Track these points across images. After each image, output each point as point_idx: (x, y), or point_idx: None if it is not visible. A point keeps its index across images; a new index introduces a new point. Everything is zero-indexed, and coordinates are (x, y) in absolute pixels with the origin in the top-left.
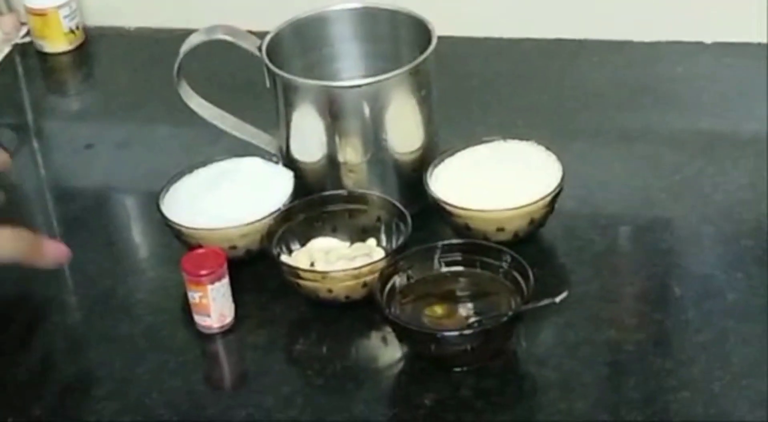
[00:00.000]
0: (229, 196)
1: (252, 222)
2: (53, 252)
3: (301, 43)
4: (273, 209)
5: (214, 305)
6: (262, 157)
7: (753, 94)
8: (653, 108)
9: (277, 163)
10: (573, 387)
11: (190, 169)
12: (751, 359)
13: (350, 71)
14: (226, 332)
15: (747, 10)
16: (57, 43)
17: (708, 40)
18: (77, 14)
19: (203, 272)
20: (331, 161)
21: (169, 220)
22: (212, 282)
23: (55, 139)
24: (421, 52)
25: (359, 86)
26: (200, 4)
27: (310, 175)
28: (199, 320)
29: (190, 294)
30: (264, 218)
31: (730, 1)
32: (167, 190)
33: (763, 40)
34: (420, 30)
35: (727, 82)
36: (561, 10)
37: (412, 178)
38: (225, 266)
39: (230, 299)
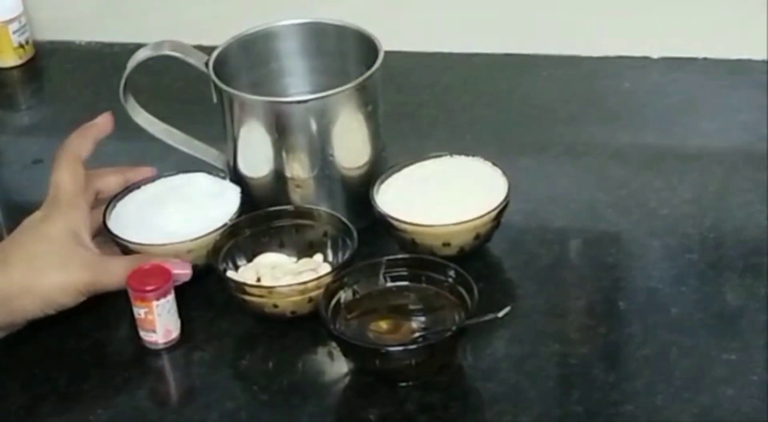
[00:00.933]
0: (176, 212)
1: (198, 238)
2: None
3: (248, 59)
4: (220, 225)
5: (160, 321)
6: (210, 172)
7: (699, 109)
8: (600, 122)
9: (224, 178)
10: (518, 401)
11: (138, 185)
12: (693, 372)
13: (297, 87)
14: (172, 348)
15: (693, 25)
16: (6, 57)
17: (655, 55)
18: (27, 29)
19: (149, 288)
20: (279, 176)
21: (116, 236)
22: (158, 298)
23: (5, 153)
24: (368, 68)
25: (305, 101)
26: (150, 19)
27: (257, 190)
28: (145, 336)
29: (135, 310)
30: (210, 233)
31: (677, 17)
32: (114, 206)
33: (709, 55)
34: (367, 45)
35: (674, 97)
36: (510, 25)
37: (359, 193)
38: (171, 282)
39: (176, 315)
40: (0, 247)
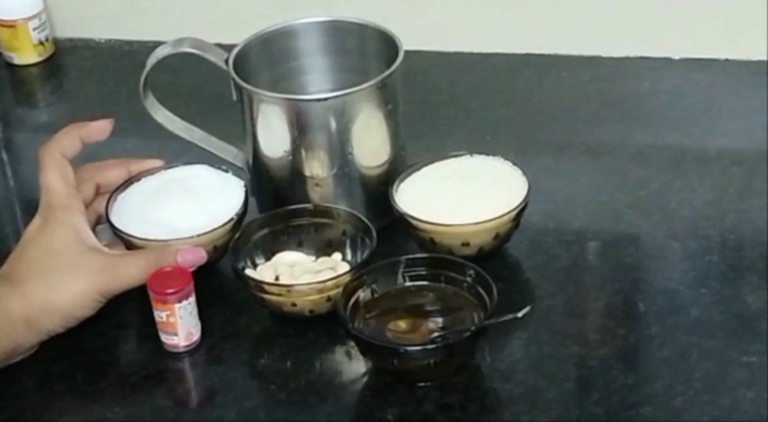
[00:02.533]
0: (179, 206)
1: (204, 234)
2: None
3: (268, 57)
4: (224, 220)
5: (182, 323)
6: (212, 165)
7: (719, 109)
8: (620, 123)
9: (226, 171)
10: (536, 403)
11: (139, 177)
12: (713, 374)
13: (317, 85)
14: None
15: (714, 26)
16: (26, 55)
17: (675, 56)
18: (47, 26)
19: (170, 290)
20: (298, 175)
21: (119, 230)
22: (179, 301)
23: (25, 151)
24: (389, 67)
25: (326, 99)
26: (170, 17)
27: (276, 188)
28: (166, 339)
29: (156, 313)
30: (216, 229)
31: (698, 18)
32: (115, 199)
33: (730, 56)
34: (387, 44)
35: (694, 98)
36: (530, 25)
37: (378, 192)
38: (191, 284)
39: (197, 317)
40: (9, 267)
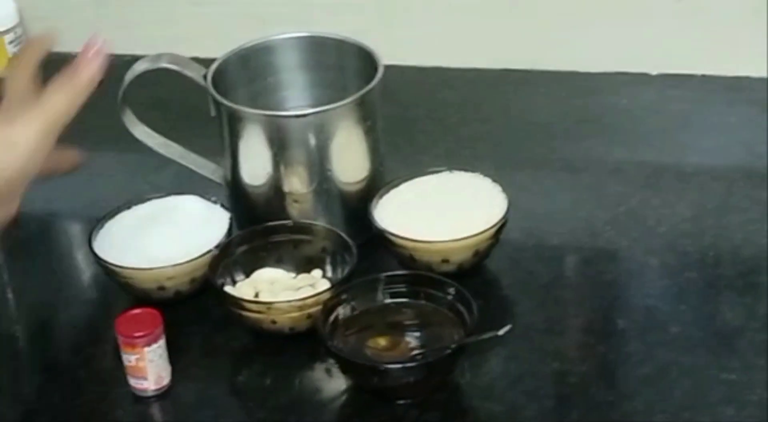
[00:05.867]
0: (163, 235)
1: (179, 264)
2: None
3: (246, 72)
4: (205, 250)
5: (151, 368)
6: (201, 195)
7: (697, 126)
8: (598, 139)
9: (215, 202)
10: (516, 420)
11: (128, 205)
12: (692, 392)
13: (296, 100)
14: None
15: (691, 42)
16: (1, 68)
17: (653, 72)
18: (22, 40)
19: (138, 334)
20: (276, 190)
21: (99, 258)
22: (149, 345)
23: None
24: (367, 82)
25: (304, 116)
26: (147, 31)
27: (255, 204)
28: (135, 383)
29: (125, 357)
30: (192, 260)
31: (675, 34)
32: (102, 226)
33: (707, 72)
34: (366, 60)
35: (672, 114)
36: (507, 41)
37: (358, 208)
38: (161, 327)
39: (167, 360)
40: None
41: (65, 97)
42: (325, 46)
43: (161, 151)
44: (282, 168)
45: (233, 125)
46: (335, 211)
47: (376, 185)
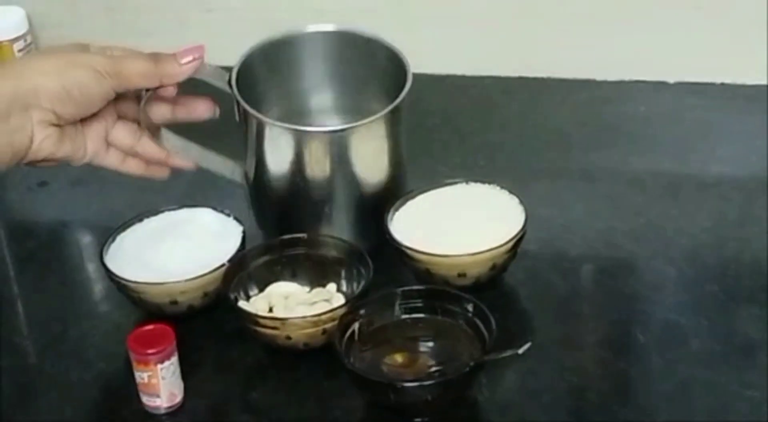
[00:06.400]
0: (176, 249)
1: (193, 278)
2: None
3: (270, 68)
4: (218, 264)
5: (164, 385)
6: (215, 208)
7: (716, 134)
8: (616, 148)
9: (229, 215)
10: None
11: (140, 218)
12: (715, 409)
13: (322, 100)
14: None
15: (709, 50)
16: None
17: (671, 80)
18: (32, 47)
19: (151, 351)
20: (300, 197)
21: (111, 272)
22: (161, 362)
23: (9, 176)
24: (395, 80)
25: (335, 132)
26: (159, 40)
27: (276, 208)
28: (147, 401)
29: (137, 375)
30: (205, 275)
31: (693, 41)
32: (114, 239)
33: (726, 80)
34: (394, 62)
35: (690, 123)
36: (523, 48)
37: (381, 219)
38: (174, 344)
39: (179, 377)
40: None
41: (142, 65)
42: (352, 41)
43: (180, 152)
44: (307, 177)
45: (259, 133)
46: (358, 222)
47: (398, 193)
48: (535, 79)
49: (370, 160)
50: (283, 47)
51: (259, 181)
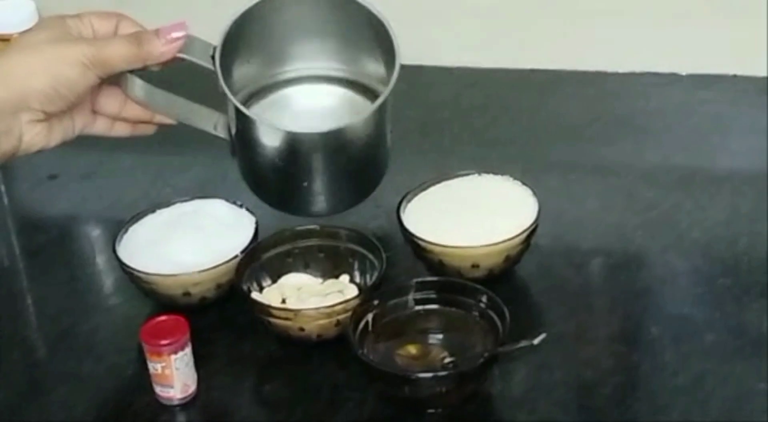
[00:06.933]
0: (187, 241)
1: (206, 270)
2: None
3: (252, 37)
4: (231, 255)
5: (177, 375)
6: (227, 199)
7: (728, 127)
8: (628, 141)
9: (241, 206)
10: None
11: (152, 209)
12: (729, 403)
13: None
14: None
15: (721, 41)
16: None
17: (683, 72)
18: None
19: (164, 342)
20: (293, 187)
21: (123, 264)
22: (175, 352)
23: (19, 169)
24: (384, 53)
25: (323, 134)
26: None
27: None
28: (161, 392)
29: (151, 365)
30: (218, 266)
31: (705, 33)
32: (126, 230)
33: (738, 72)
34: (381, 31)
35: (702, 115)
36: (535, 41)
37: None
38: (187, 334)
39: (193, 368)
40: None
41: (125, 49)
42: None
43: (164, 111)
44: (297, 173)
45: (245, 130)
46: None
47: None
48: (546, 71)
49: (363, 153)
50: (264, 15)
51: (248, 174)
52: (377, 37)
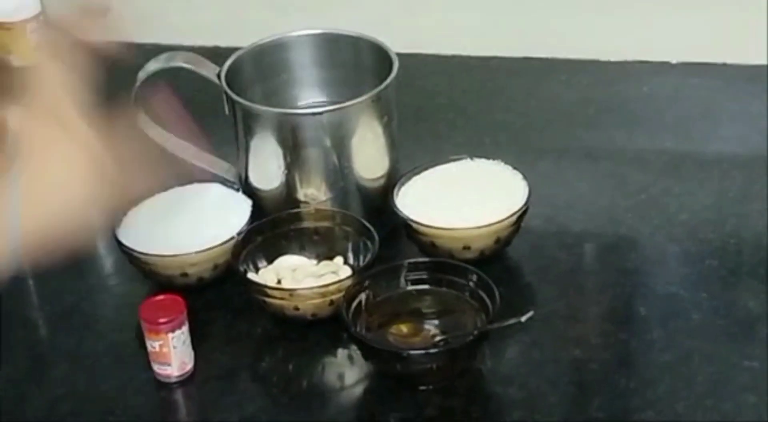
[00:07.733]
0: (186, 222)
1: (203, 251)
2: None
3: (260, 70)
4: (227, 237)
5: (175, 353)
6: (223, 183)
7: (718, 114)
8: (619, 127)
9: (237, 190)
10: (538, 407)
11: (152, 192)
12: (715, 379)
13: (310, 98)
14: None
15: (712, 30)
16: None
17: (674, 60)
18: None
19: (162, 320)
20: (291, 189)
21: (123, 245)
22: (172, 330)
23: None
24: (383, 79)
25: (320, 114)
26: (167, 21)
27: (269, 202)
28: (159, 369)
29: (148, 343)
30: (215, 247)
31: (696, 22)
32: (125, 213)
33: (728, 61)
34: (381, 56)
35: (693, 102)
36: (528, 29)
37: (374, 205)
38: (185, 313)
39: (190, 346)
40: None
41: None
42: (340, 42)
43: (175, 151)
44: (297, 166)
45: (247, 123)
46: (351, 208)
47: (392, 182)
48: (539, 59)
49: (363, 144)
50: (272, 50)
51: (251, 176)
52: None
